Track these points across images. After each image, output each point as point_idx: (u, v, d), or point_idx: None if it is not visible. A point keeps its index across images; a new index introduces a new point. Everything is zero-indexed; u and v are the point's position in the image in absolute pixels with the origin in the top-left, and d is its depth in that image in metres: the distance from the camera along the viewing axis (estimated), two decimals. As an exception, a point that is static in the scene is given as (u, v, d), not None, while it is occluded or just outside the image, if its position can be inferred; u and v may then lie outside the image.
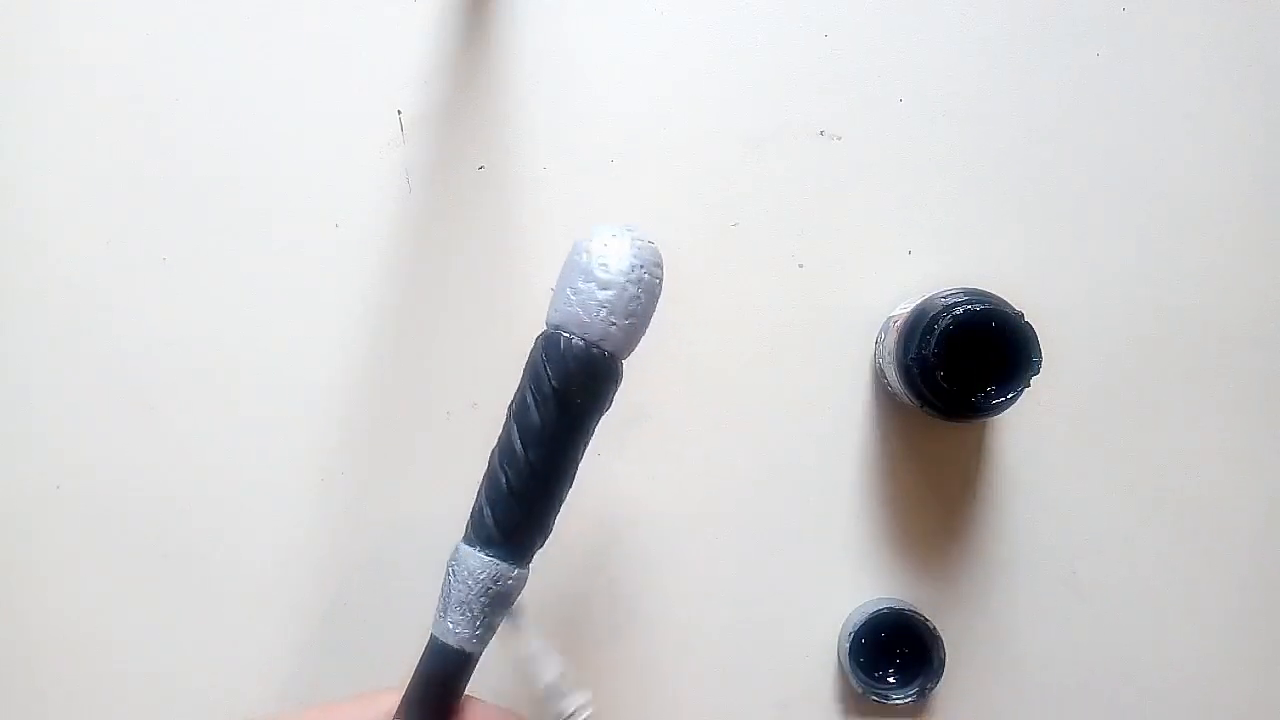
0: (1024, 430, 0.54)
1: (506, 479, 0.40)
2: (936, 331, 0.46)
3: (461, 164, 0.56)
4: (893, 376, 0.51)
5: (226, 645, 0.56)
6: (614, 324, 0.39)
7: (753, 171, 0.55)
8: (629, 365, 0.41)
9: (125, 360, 0.57)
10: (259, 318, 0.56)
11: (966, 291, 0.49)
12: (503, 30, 0.56)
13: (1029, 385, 0.46)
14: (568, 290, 0.39)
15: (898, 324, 0.50)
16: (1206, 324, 0.54)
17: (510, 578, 0.40)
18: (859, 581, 0.55)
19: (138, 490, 0.57)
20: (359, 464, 0.56)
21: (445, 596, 0.41)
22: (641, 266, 0.39)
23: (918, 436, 0.55)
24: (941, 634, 0.52)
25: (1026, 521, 0.55)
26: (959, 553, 0.55)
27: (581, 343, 0.39)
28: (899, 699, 0.52)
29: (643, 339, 0.41)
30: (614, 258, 0.39)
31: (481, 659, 0.42)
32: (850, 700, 0.55)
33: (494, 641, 0.42)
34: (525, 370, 0.41)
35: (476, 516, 0.41)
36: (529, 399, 0.40)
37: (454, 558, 0.41)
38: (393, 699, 0.41)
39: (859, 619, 0.52)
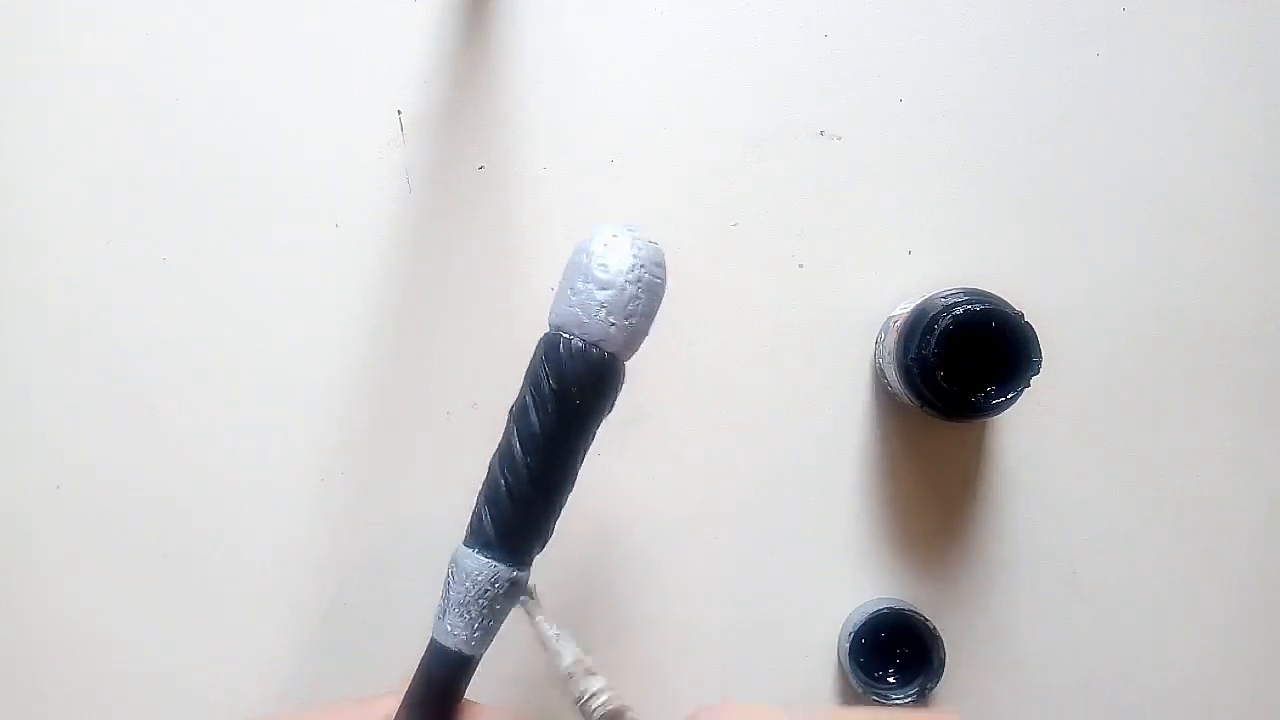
0: (1024, 430, 0.54)
1: (505, 482, 0.40)
2: (936, 331, 0.46)
3: (461, 164, 0.56)
4: (893, 376, 0.51)
5: (226, 645, 0.56)
6: (613, 324, 0.39)
7: (753, 171, 0.55)
8: (629, 365, 0.41)
9: (125, 360, 0.57)
10: (259, 318, 0.56)
11: (966, 291, 0.49)
12: (503, 30, 0.56)
13: (1029, 385, 0.46)
14: (568, 291, 0.39)
15: (898, 324, 0.50)
16: (1206, 324, 0.54)
17: (509, 580, 0.40)
18: (859, 581, 0.55)
19: (138, 490, 0.57)
20: (359, 464, 0.56)
21: (444, 599, 0.41)
22: (642, 266, 0.39)
23: (918, 436, 0.55)
24: (941, 634, 0.52)
25: (1026, 521, 0.55)
26: (959, 553, 0.55)
27: (581, 343, 0.39)
28: (899, 699, 0.51)
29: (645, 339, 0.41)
30: (613, 258, 0.39)
31: (485, 658, 0.42)
32: (850, 700, 0.55)
33: (512, 627, 0.42)
34: (526, 373, 0.41)
35: (475, 519, 0.41)
36: (528, 400, 0.40)
37: (453, 560, 0.41)
38: (392, 703, 0.41)
39: (859, 619, 0.52)
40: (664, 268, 0.40)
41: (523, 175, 0.56)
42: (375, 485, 0.56)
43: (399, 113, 0.56)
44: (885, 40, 0.55)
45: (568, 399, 0.39)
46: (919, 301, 0.50)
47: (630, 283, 0.38)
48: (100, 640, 0.57)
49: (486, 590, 0.40)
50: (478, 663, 0.42)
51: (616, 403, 0.41)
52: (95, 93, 0.57)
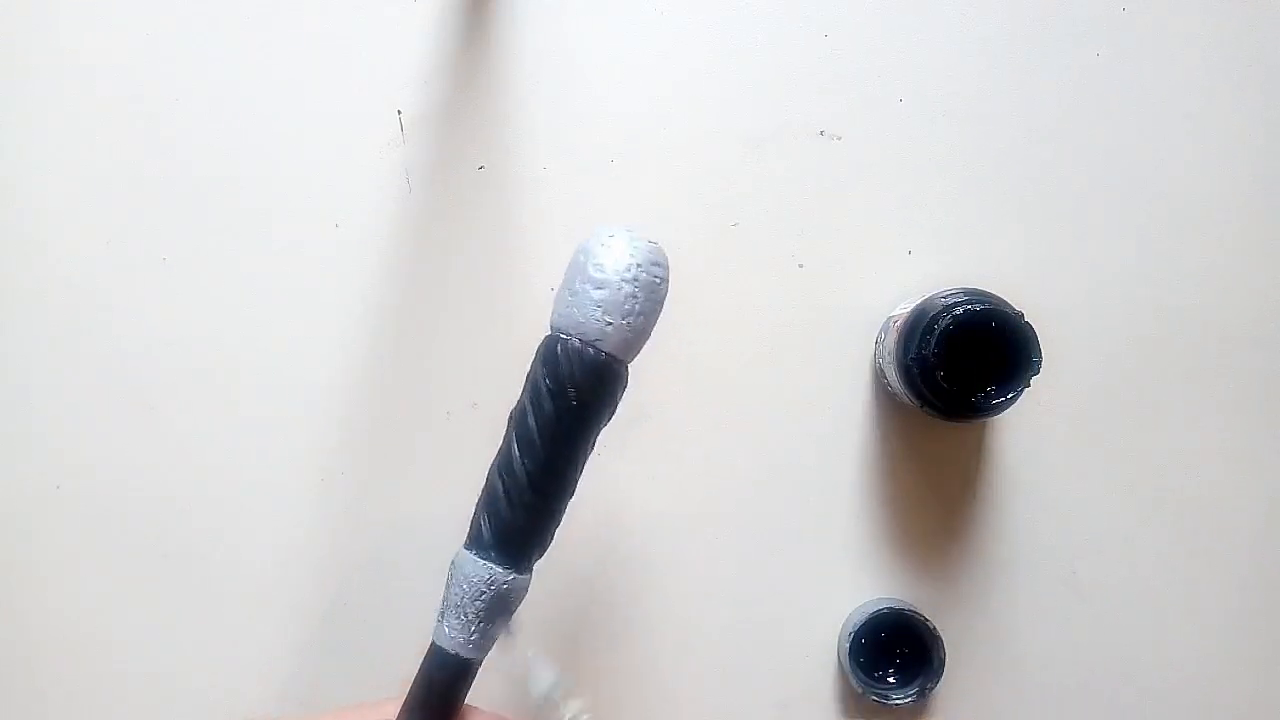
0: (1024, 430, 0.54)
1: (502, 485, 0.40)
2: (936, 331, 0.46)
3: (461, 164, 0.56)
4: (893, 376, 0.51)
5: (226, 645, 0.56)
6: (610, 323, 0.38)
7: (753, 171, 0.55)
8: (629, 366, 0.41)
9: (125, 360, 0.57)
10: (259, 318, 0.56)
11: (966, 291, 0.49)
12: (503, 30, 0.56)
13: (1029, 385, 0.46)
14: (566, 292, 0.39)
15: (898, 324, 0.50)
16: (1206, 324, 0.54)
17: (505, 582, 0.40)
18: (859, 581, 0.55)
19: (138, 490, 0.57)
20: (359, 464, 0.56)
21: (444, 601, 0.41)
22: (639, 265, 0.38)
23: (918, 436, 0.55)
24: (941, 634, 0.52)
25: (1026, 521, 0.55)
26: (959, 553, 0.55)
27: (577, 344, 0.39)
28: (899, 699, 0.51)
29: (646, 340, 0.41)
30: (610, 258, 0.38)
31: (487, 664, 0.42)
32: (850, 700, 0.55)
33: (491, 652, 0.42)
34: (526, 376, 0.41)
35: (474, 522, 0.41)
36: (526, 403, 0.40)
37: (453, 562, 0.41)
38: (392, 708, 0.41)
39: (859, 619, 0.52)
40: (664, 267, 0.39)
41: (523, 175, 0.56)
42: (375, 485, 0.56)
43: (399, 113, 0.56)
44: (885, 40, 0.55)
45: (565, 401, 0.39)
46: (919, 301, 0.50)
47: (626, 282, 0.38)
48: (100, 640, 0.57)
49: (483, 593, 0.40)
50: (478, 667, 0.41)
51: (618, 407, 0.41)
52: (95, 93, 0.57)
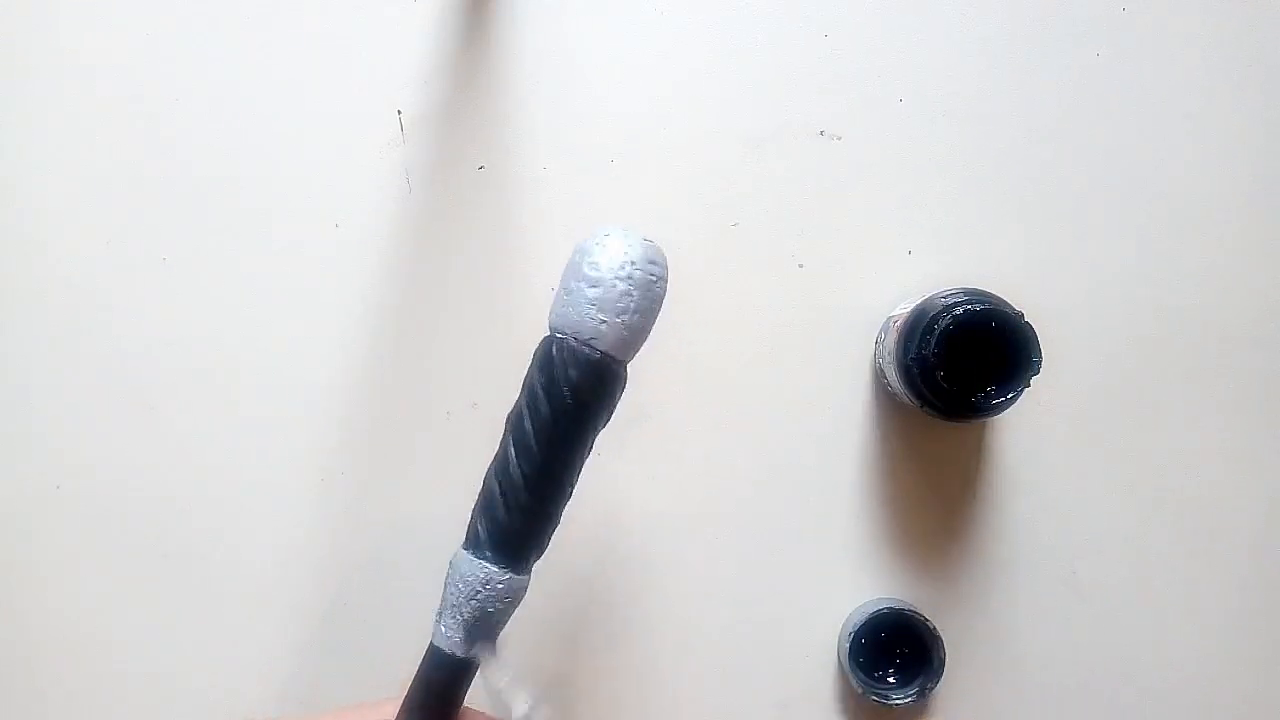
0: (1024, 430, 0.54)
1: (499, 487, 0.40)
2: (936, 331, 0.46)
3: (461, 164, 0.56)
4: (893, 376, 0.51)
5: (226, 645, 0.56)
6: (604, 322, 0.38)
7: (753, 171, 0.55)
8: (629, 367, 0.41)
9: (125, 360, 0.57)
10: (259, 318, 0.56)
11: (966, 291, 0.49)
12: (503, 30, 0.56)
13: (1029, 385, 0.46)
14: (563, 292, 0.39)
15: (898, 324, 0.50)
16: (1206, 324, 0.54)
17: (501, 582, 0.40)
18: (859, 581, 0.55)
19: (138, 490, 0.57)
20: (359, 464, 0.56)
21: (442, 602, 0.41)
22: (633, 264, 0.38)
23: (918, 436, 0.55)
24: (941, 634, 0.52)
25: (1026, 521, 0.55)
26: (959, 553, 0.55)
27: (573, 343, 0.38)
28: (899, 699, 0.51)
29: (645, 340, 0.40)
30: (605, 256, 0.38)
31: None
32: (850, 700, 0.55)
33: (513, 630, 0.42)
34: (524, 377, 0.40)
35: (471, 523, 0.41)
36: (522, 403, 0.40)
37: (451, 562, 0.41)
38: (392, 709, 0.41)
39: (859, 619, 0.52)
40: (661, 266, 0.39)
41: (523, 175, 0.56)
42: (375, 485, 0.56)
43: (399, 113, 0.56)
44: (885, 40, 0.55)
45: (560, 401, 0.39)
46: (919, 301, 0.50)
47: (620, 280, 0.38)
48: (100, 640, 0.57)
49: (478, 592, 0.40)
50: (476, 668, 0.41)
51: (617, 408, 0.41)
52: (95, 93, 0.57)
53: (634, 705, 0.55)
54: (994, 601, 0.55)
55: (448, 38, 0.56)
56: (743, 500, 0.55)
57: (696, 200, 0.55)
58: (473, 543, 0.40)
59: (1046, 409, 0.54)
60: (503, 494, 0.40)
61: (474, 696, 0.42)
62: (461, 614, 0.40)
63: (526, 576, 0.41)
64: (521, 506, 0.40)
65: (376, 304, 0.56)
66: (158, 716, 0.57)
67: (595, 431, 0.40)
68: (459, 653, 0.40)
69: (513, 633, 0.42)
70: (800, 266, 0.55)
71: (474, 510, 0.41)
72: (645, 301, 0.39)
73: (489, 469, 0.41)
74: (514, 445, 0.40)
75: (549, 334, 0.40)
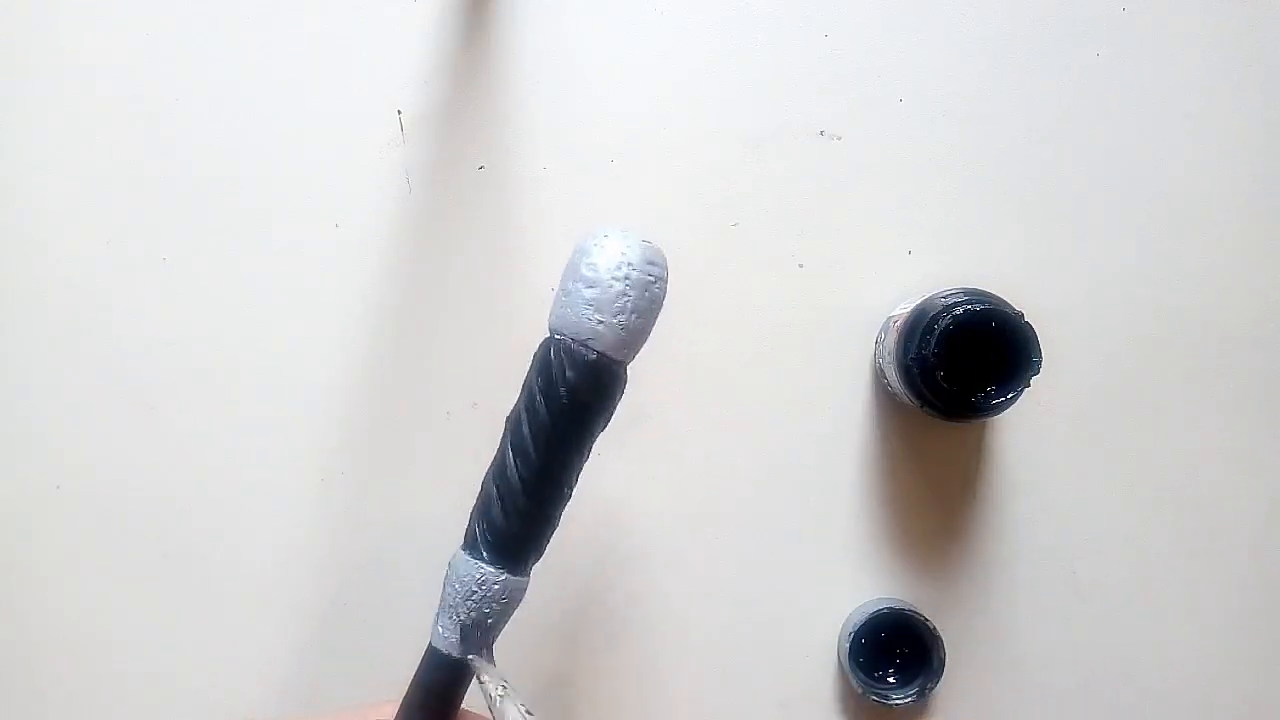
0: (1024, 430, 0.54)
1: (496, 490, 0.40)
2: (936, 331, 0.46)
3: (461, 164, 0.56)
4: (893, 376, 0.51)
5: (226, 645, 0.56)
6: (601, 322, 0.38)
7: (753, 171, 0.55)
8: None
9: (125, 360, 0.57)
10: (259, 318, 0.56)
11: (966, 291, 0.49)
12: (503, 30, 0.56)
13: (1029, 385, 0.46)
14: (561, 293, 0.39)
15: (898, 324, 0.50)
16: (1206, 324, 0.54)
17: (497, 583, 0.40)
18: (859, 581, 0.55)
19: (138, 490, 0.57)
20: (359, 464, 0.56)
21: (441, 602, 0.41)
22: (630, 264, 0.38)
23: (918, 436, 0.55)
24: (941, 634, 0.52)
25: (1026, 521, 0.55)
26: (959, 553, 0.55)
27: (570, 343, 0.38)
28: (899, 699, 0.51)
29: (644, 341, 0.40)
30: (602, 257, 0.38)
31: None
32: (850, 700, 0.55)
33: (512, 630, 0.42)
34: (523, 380, 0.40)
35: (469, 523, 0.41)
36: (520, 406, 0.40)
37: (449, 563, 0.41)
38: (391, 709, 0.41)
39: (859, 619, 0.52)
40: (659, 266, 0.39)
41: (523, 175, 0.56)
42: (375, 485, 0.56)
43: (399, 113, 0.56)
44: (885, 40, 0.55)
45: (557, 402, 0.39)
46: (919, 301, 0.50)
47: (617, 280, 0.38)
48: (100, 640, 0.57)
49: (474, 593, 0.40)
50: (474, 669, 0.41)
51: (616, 410, 0.40)
52: (95, 93, 0.57)
53: (634, 705, 0.55)
54: (994, 601, 0.55)
55: (448, 38, 0.56)
56: (743, 500, 0.55)
57: (696, 200, 0.55)
58: (470, 544, 0.40)
59: (1046, 409, 0.54)
60: (500, 496, 0.40)
61: (473, 698, 0.42)
62: (458, 614, 0.40)
63: (524, 578, 0.41)
64: (518, 508, 0.39)
65: (376, 304, 0.56)
66: (158, 716, 0.57)
67: (593, 434, 0.40)
68: (456, 653, 0.40)
69: (513, 633, 0.42)
70: (800, 266, 0.55)
71: (472, 511, 0.41)
72: (643, 302, 0.39)
73: (487, 470, 0.41)
74: (512, 446, 0.40)
75: (548, 336, 0.40)
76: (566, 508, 0.41)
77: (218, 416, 0.56)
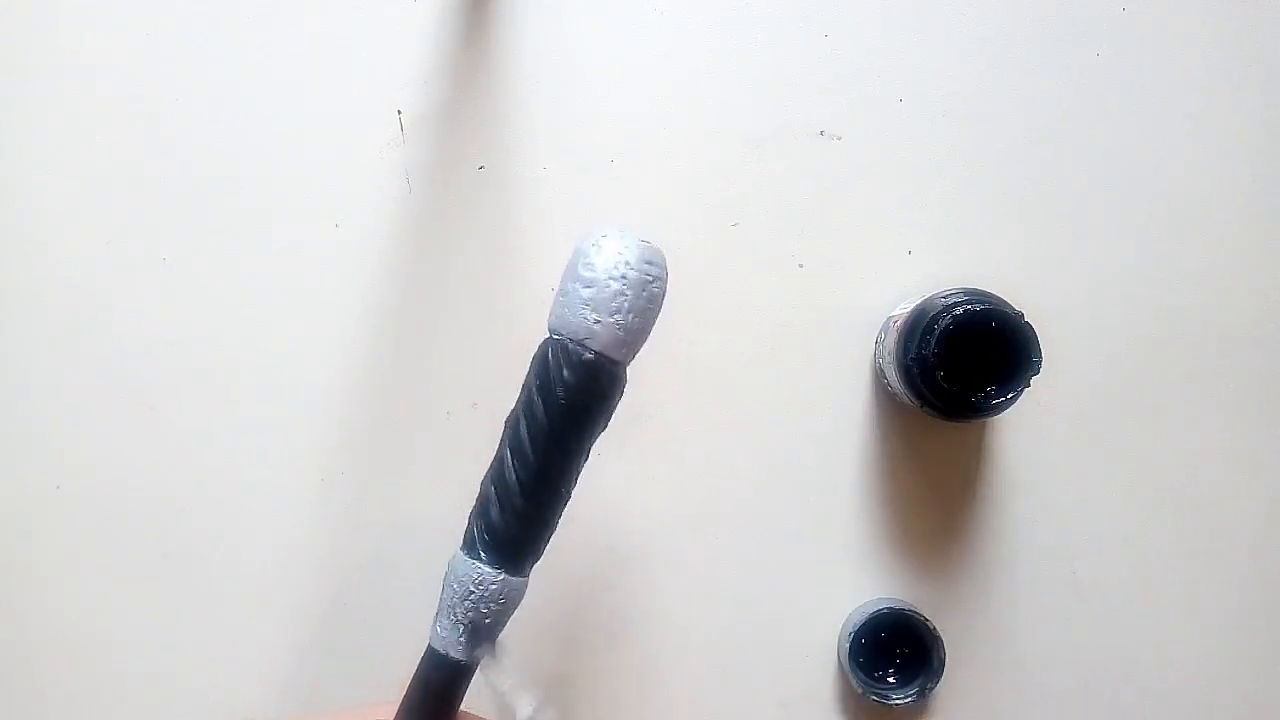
0: (1024, 430, 0.54)
1: (494, 491, 0.40)
2: (936, 331, 0.46)
3: (461, 164, 0.56)
4: (893, 376, 0.51)
5: (226, 645, 0.56)
6: (598, 321, 0.38)
7: (753, 171, 0.55)
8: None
9: (125, 360, 0.57)
10: (259, 318, 0.56)
11: (966, 291, 0.49)
12: (503, 30, 0.56)
13: (1029, 385, 0.46)
14: (559, 294, 0.39)
15: (898, 324, 0.50)
16: (1206, 324, 0.54)
17: (494, 583, 0.40)
18: (859, 581, 0.55)
19: (138, 490, 0.57)
20: (359, 464, 0.56)
21: (439, 603, 0.41)
22: (627, 263, 0.38)
23: (918, 436, 0.55)
24: (941, 634, 0.52)
25: (1026, 521, 0.55)
26: (959, 553, 0.55)
27: (567, 343, 0.38)
28: (899, 699, 0.51)
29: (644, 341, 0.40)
30: (599, 256, 0.38)
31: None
32: (850, 700, 0.55)
33: (478, 676, 0.41)
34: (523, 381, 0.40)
35: (468, 523, 0.41)
36: (518, 408, 0.40)
37: (448, 564, 0.41)
38: (390, 710, 0.41)
39: (859, 619, 0.52)
40: (658, 265, 0.39)
41: (523, 175, 0.56)
42: (375, 485, 0.56)
43: (399, 113, 0.56)
44: (885, 40, 0.55)
45: (554, 403, 0.39)
46: (919, 301, 0.50)
47: (614, 279, 0.38)
48: (100, 640, 0.57)
49: (471, 593, 0.40)
50: (473, 671, 0.41)
51: (616, 411, 0.40)
52: (95, 93, 0.57)
53: (634, 705, 0.55)
54: (994, 601, 0.55)
55: (448, 38, 0.56)
56: (743, 500, 0.55)
57: (696, 200, 0.55)
58: (469, 544, 0.40)
59: (1046, 409, 0.54)
60: (497, 496, 0.40)
61: (473, 699, 0.42)
62: (456, 615, 0.40)
63: (522, 579, 0.41)
64: (516, 509, 0.39)
65: (376, 304, 0.56)
66: (158, 716, 0.57)
67: (592, 435, 0.40)
68: (454, 654, 0.40)
69: (512, 633, 0.42)
70: (800, 266, 0.55)
71: (470, 514, 0.41)
72: (640, 302, 0.38)
73: (485, 473, 0.41)
74: (509, 447, 0.40)
75: (547, 336, 0.40)
76: (567, 508, 0.41)
77: (218, 416, 0.56)
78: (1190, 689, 0.54)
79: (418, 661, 0.42)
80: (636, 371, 0.40)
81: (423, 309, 0.56)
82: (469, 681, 0.41)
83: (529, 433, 0.39)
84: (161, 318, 0.57)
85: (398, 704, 0.41)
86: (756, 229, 0.55)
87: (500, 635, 0.41)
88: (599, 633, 0.55)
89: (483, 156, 0.56)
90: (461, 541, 0.41)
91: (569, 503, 0.41)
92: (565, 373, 0.38)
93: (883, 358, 0.52)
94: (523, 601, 0.41)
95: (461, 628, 0.40)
